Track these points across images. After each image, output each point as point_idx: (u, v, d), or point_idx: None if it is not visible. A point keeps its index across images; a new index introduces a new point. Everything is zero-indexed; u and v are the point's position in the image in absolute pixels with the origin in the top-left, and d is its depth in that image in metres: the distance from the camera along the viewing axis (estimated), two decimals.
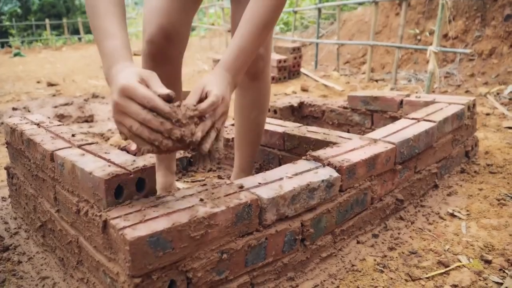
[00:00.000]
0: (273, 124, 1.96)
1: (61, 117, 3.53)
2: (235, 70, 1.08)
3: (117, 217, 0.91)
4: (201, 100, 0.95)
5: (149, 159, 1.09)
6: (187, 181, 1.98)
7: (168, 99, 0.82)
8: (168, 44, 1.34)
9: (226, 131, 2.12)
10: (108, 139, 2.91)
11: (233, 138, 2.01)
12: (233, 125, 2.21)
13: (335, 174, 1.24)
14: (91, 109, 3.81)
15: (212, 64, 5.73)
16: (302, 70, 5.73)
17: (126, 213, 0.93)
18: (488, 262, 1.27)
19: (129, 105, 0.82)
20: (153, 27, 1.31)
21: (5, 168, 1.67)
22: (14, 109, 3.80)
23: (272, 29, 1.17)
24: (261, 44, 1.16)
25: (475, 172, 1.95)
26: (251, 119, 1.58)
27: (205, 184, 1.12)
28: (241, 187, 1.10)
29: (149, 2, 1.34)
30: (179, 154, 2.12)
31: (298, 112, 2.58)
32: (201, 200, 1.01)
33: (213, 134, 0.94)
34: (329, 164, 1.29)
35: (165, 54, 1.35)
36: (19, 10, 22.75)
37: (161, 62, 1.36)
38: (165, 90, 0.83)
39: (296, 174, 1.21)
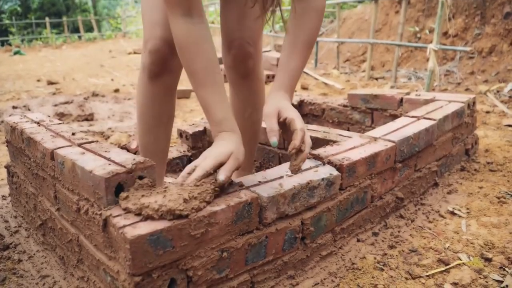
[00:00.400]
0: None
1: (61, 116, 3.53)
2: (291, 90, 1.21)
3: (117, 216, 0.91)
4: (278, 122, 1.09)
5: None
6: None
7: (219, 186, 1.00)
8: (171, 55, 1.36)
9: None
10: (108, 137, 2.91)
11: None
12: None
13: (335, 173, 1.24)
14: (91, 107, 3.81)
15: None
16: None
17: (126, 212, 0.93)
18: (488, 260, 1.27)
19: (207, 160, 1.02)
20: (157, 40, 1.32)
21: (5, 167, 1.67)
22: (14, 107, 3.80)
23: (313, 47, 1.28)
24: (307, 60, 1.26)
25: (475, 170, 1.95)
26: (245, 118, 1.59)
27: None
28: (241, 185, 1.10)
29: (150, 14, 1.35)
30: (179, 152, 2.12)
31: (298, 110, 2.57)
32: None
33: (304, 155, 1.07)
34: (329, 163, 1.29)
35: (167, 65, 1.37)
36: (19, 9, 22.73)
37: (162, 73, 1.38)
38: (221, 178, 1.00)
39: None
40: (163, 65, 1.37)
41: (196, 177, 0.98)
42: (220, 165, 1.01)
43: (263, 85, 1.63)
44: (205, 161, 1.01)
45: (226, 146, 1.04)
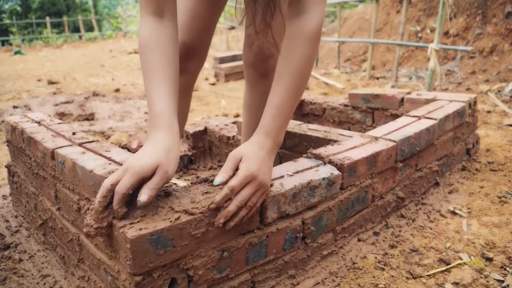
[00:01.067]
0: None
1: (61, 115, 3.53)
2: (276, 130, 1.05)
3: None
4: (236, 169, 0.96)
5: None
6: (188, 179, 1.98)
7: (138, 206, 0.86)
8: (188, 58, 1.40)
9: (227, 129, 2.12)
10: (109, 137, 2.91)
11: (233, 136, 2.01)
12: (234, 123, 2.21)
13: (336, 172, 1.24)
14: (91, 107, 3.81)
15: (213, 62, 5.72)
16: None
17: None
18: (489, 259, 1.27)
19: (123, 175, 0.88)
20: None
21: (6, 166, 1.67)
22: (14, 107, 3.80)
23: (308, 78, 1.12)
24: (300, 96, 1.12)
25: (476, 169, 1.95)
26: (258, 116, 1.60)
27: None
28: None
29: None
30: (180, 152, 2.12)
31: (298, 110, 2.58)
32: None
33: (242, 212, 0.95)
34: (330, 162, 1.29)
35: (183, 66, 1.40)
36: (19, 8, 22.73)
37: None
38: (142, 199, 0.85)
39: (297, 172, 1.21)
40: (180, 65, 1.39)
41: (115, 204, 0.86)
42: (142, 181, 0.87)
43: None
44: (122, 181, 0.86)
45: (153, 156, 0.90)
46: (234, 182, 0.93)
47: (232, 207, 0.93)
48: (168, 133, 0.95)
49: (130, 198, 0.88)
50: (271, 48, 1.47)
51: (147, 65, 1.02)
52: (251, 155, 0.98)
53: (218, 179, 0.94)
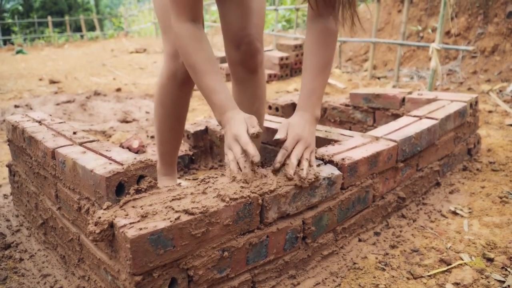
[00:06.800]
0: (274, 122, 1.95)
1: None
2: (311, 107, 1.29)
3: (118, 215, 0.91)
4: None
5: (150, 157, 1.08)
6: (189, 179, 1.98)
7: (255, 137, 1.12)
8: None
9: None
10: (110, 136, 2.91)
11: None
12: None
13: (337, 172, 1.24)
14: (93, 106, 3.81)
15: None
16: None
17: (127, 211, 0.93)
18: (490, 260, 1.26)
19: (235, 145, 1.14)
20: None
21: (7, 166, 1.67)
22: (16, 106, 3.80)
23: (331, 66, 1.37)
24: (327, 80, 1.35)
25: (477, 169, 1.94)
26: (253, 111, 1.63)
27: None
28: None
29: None
30: (181, 151, 2.12)
31: None
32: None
33: (305, 163, 1.15)
34: (330, 162, 1.29)
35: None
36: (21, 8, 22.76)
37: (190, 80, 1.48)
38: (254, 130, 1.12)
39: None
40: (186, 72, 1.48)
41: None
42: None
43: (265, 78, 1.69)
44: (251, 149, 1.09)
45: (236, 120, 1.18)
46: (287, 143, 1.17)
47: (293, 159, 1.14)
48: (239, 111, 1.23)
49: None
50: (257, 43, 1.55)
51: (198, 62, 1.24)
52: (295, 123, 1.23)
53: (277, 136, 1.18)
